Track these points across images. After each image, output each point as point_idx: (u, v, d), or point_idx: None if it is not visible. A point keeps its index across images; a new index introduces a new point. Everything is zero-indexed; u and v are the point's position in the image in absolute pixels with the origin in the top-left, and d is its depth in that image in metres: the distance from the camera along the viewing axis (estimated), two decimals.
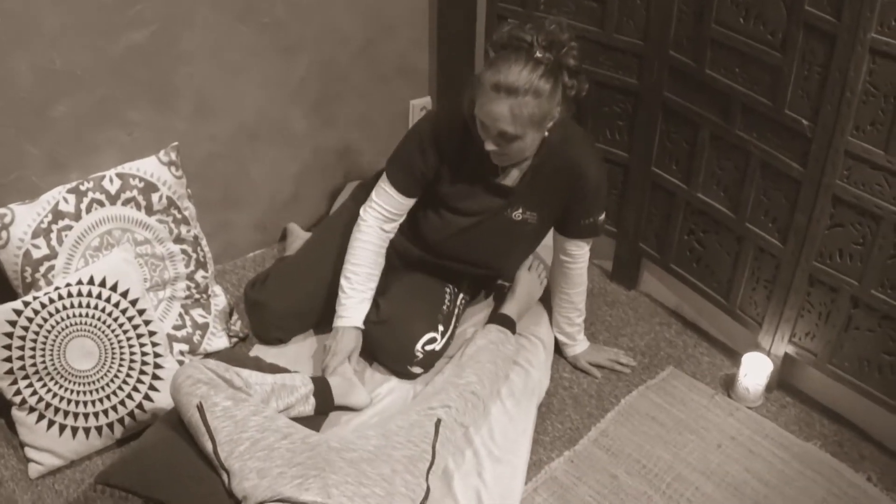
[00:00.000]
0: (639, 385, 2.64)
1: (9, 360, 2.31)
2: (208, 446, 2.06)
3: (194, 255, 2.69)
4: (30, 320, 2.32)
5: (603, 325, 2.86)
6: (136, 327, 2.42)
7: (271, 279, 2.65)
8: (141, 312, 2.44)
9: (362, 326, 2.51)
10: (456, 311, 2.64)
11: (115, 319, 2.39)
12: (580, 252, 2.52)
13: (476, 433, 2.34)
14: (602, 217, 2.47)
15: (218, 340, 2.70)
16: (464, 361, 2.45)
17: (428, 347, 2.49)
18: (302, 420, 2.30)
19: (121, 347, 2.39)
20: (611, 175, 2.89)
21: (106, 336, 2.37)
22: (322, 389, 2.37)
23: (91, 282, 2.39)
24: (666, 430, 2.50)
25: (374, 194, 2.48)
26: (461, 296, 2.68)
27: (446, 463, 2.25)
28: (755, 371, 2.55)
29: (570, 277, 2.57)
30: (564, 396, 2.59)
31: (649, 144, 2.77)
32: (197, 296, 2.70)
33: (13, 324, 2.31)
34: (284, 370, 2.46)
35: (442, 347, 2.54)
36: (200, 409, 2.08)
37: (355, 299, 2.49)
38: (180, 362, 2.60)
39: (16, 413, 2.34)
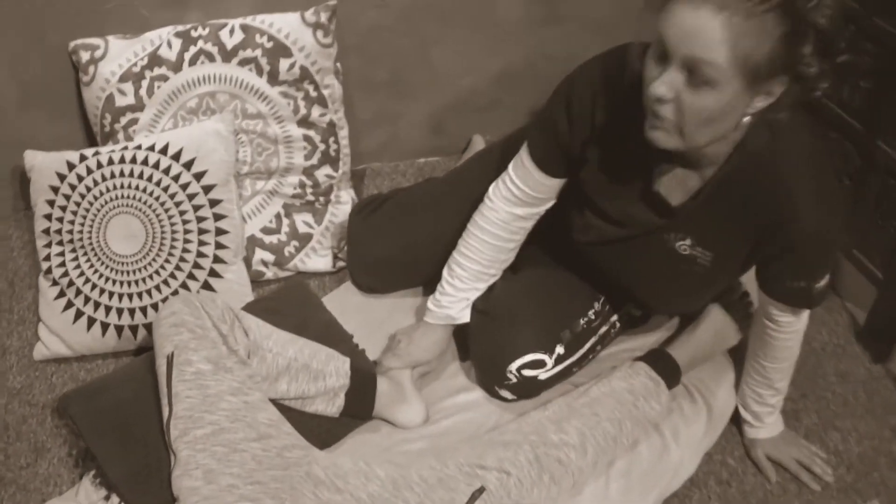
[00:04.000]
0: None
1: (48, 217, 1.80)
2: (164, 412, 1.43)
3: (322, 147, 1.98)
4: (80, 178, 1.77)
5: (816, 404, 1.77)
6: (200, 219, 1.80)
7: (384, 209, 1.87)
8: (214, 203, 1.80)
9: (455, 322, 1.69)
10: (600, 331, 1.70)
11: (177, 204, 1.78)
12: (785, 320, 1.47)
13: None
14: (822, 283, 1.39)
15: (318, 259, 2.00)
16: (579, 405, 1.57)
17: (527, 372, 1.61)
18: (325, 420, 1.60)
19: (173, 239, 1.78)
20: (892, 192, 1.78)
21: (158, 221, 1.77)
22: (361, 390, 1.61)
23: (163, 151, 1.79)
24: None
25: (510, 164, 1.59)
26: (616, 317, 1.72)
27: None
28: None
29: (770, 347, 1.54)
30: (711, 494, 1.61)
31: None
32: (311, 198, 2.00)
33: (62, 178, 1.78)
34: (342, 337, 1.73)
35: (549, 378, 1.64)
36: (170, 362, 1.43)
37: (453, 297, 1.67)
38: (260, 274, 1.98)
39: (41, 280, 1.83)
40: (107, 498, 1.48)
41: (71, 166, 1.79)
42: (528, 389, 1.64)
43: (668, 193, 1.40)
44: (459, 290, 1.66)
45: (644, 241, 1.46)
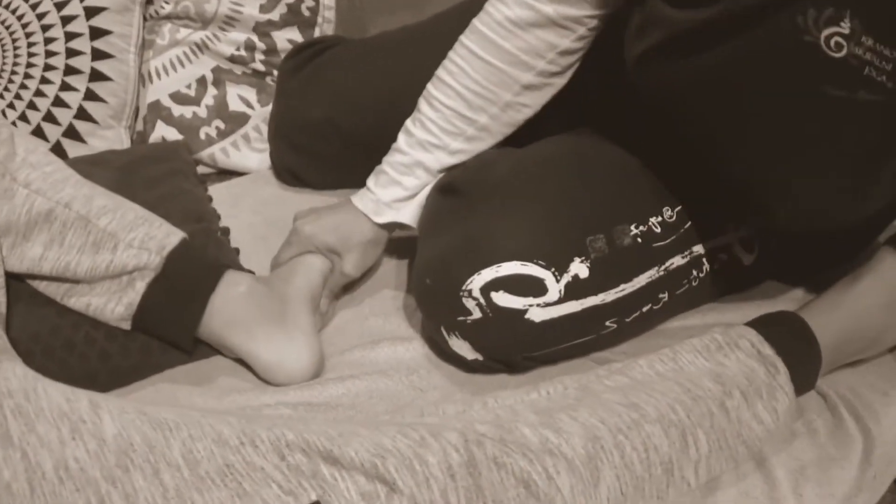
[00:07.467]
0: None
1: None
2: None
3: (293, 2, 1.28)
4: None
5: None
6: (71, 53, 1.10)
7: (332, 53, 1.10)
8: (98, 34, 1.11)
9: (399, 220, 0.88)
10: (669, 263, 0.80)
11: (45, 28, 1.11)
12: None
13: None
14: None
15: (250, 154, 1.22)
16: (602, 388, 0.70)
17: (504, 300, 0.74)
18: (105, 338, 0.80)
19: (26, 75, 1.10)
20: None
21: (14, 46, 1.09)
22: (180, 279, 0.79)
23: None
24: None
25: None
26: (702, 248, 0.82)
27: None
28: None
29: None
30: None
31: None
32: (261, 67, 1.23)
33: None
34: (197, 213, 0.93)
35: (549, 323, 0.75)
36: None
37: (407, 158, 0.87)
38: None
39: None
40: None
41: None
42: (504, 339, 0.77)
43: None
44: (418, 147, 0.85)
45: (754, 34, 0.63)
